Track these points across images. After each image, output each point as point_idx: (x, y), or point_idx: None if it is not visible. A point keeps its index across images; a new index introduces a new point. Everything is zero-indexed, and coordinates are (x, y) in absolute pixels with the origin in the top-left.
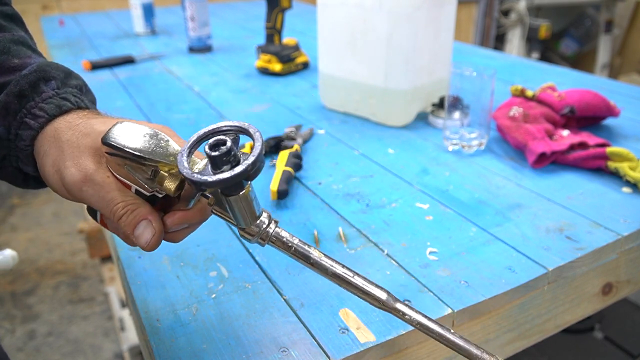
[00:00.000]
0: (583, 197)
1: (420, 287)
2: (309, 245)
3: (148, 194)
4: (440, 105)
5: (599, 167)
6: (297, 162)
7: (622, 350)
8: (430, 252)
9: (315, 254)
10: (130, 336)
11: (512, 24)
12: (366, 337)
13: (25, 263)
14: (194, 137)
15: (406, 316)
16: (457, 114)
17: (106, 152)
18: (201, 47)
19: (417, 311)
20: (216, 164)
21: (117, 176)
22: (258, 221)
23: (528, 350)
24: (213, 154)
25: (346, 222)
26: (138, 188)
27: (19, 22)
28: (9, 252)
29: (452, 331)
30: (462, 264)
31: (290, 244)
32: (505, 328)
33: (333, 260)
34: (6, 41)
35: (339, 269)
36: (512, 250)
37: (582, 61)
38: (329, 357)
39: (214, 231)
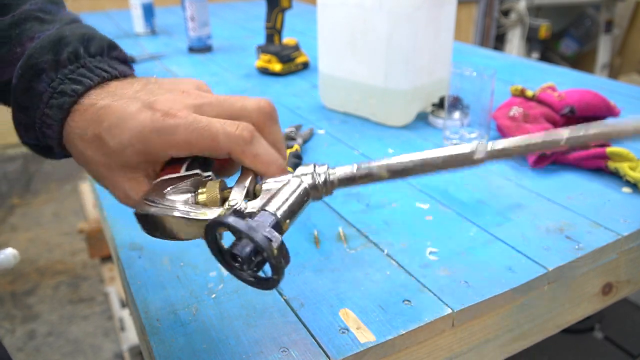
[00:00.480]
0: (583, 197)
1: (420, 287)
2: (367, 165)
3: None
4: (440, 105)
5: (599, 167)
6: (297, 162)
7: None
8: (430, 252)
9: (375, 166)
10: (130, 336)
11: (512, 24)
12: (366, 337)
13: (25, 263)
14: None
15: (506, 151)
16: (457, 114)
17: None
18: (201, 47)
19: (514, 140)
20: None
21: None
22: (306, 176)
23: (528, 350)
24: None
25: (346, 222)
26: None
27: None
28: (10, 251)
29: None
30: (462, 264)
31: (353, 177)
32: (505, 328)
33: (403, 156)
34: (5, 28)
35: (419, 156)
36: (512, 250)
37: (582, 61)
38: (329, 357)
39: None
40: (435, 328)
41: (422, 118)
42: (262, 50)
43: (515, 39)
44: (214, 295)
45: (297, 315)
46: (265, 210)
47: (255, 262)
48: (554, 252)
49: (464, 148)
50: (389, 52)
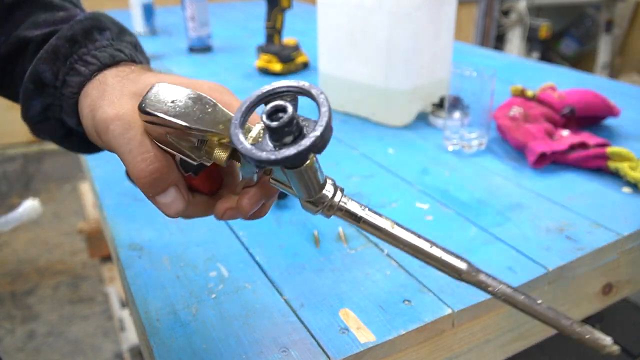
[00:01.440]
0: (583, 197)
1: (420, 287)
2: (379, 215)
3: (195, 163)
4: (440, 105)
5: (599, 167)
6: None
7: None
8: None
9: (386, 224)
10: (130, 336)
11: (512, 24)
12: (366, 337)
13: (25, 263)
14: (246, 103)
15: (489, 288)
16: (457, 114)
17: (145, 121)
18: (201, 47)
19: (500, 281)
20: (277, 135)
21: (159, 145)
22: (323, 191)
23: (528, 350)
24: (273, 124)
25: (346, 222)
26: (183, 157)
27: None
28: (29, 203)
29: (538, 302)
30: None
31: (358, 216)
32: (505, 328)
33: (407, 230)
34: None
35: (414, 240)
36: (512, 250)
37: (582, 61)
38: (329, 357)
39: (214, 231)
40: (435, 328)
41: (422, 118)
42: (262, 50)
43: (515, 39)
44: (214, 295)
45: (297, 315)
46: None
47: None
48: (554, 252)
49: (456, 262)
50: (389, 52)
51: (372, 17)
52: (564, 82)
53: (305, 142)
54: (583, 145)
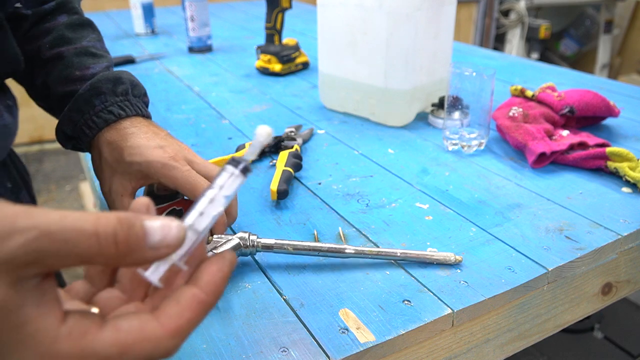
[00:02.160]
0: (583, 197)
1: (420, 287)
2: (281, 241)
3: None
4: (440, 105)
5: (598, 167)
6: (297, 162)
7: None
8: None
9: (285, 244)
10: None
11: (512, 24)
12: (366, 337)
13: None
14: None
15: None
16: (457, 114)
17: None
18: (201, 47)
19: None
20: None
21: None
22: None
23: (528, 350)
24: None
25: (346, 222)
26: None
27: (87, 27)
28: (264, 129)
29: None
30: (461, 264)
31: (270, 246)
32: (505, 328)
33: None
34: (70, 55)
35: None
36: (511, 250)
37: (581, 61)
38: (328, 357)
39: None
40: (435, 328)
41: (422, 118)
42: (262, 50)
43: (515, 39)
44: None
45: (297, 315)
46: (212, 251)
47: None
48: (554, 252)
49: (339, 246)
50: (389, 52)
51: (372, 17)
52: (564, 82)
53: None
54: (583, 145)
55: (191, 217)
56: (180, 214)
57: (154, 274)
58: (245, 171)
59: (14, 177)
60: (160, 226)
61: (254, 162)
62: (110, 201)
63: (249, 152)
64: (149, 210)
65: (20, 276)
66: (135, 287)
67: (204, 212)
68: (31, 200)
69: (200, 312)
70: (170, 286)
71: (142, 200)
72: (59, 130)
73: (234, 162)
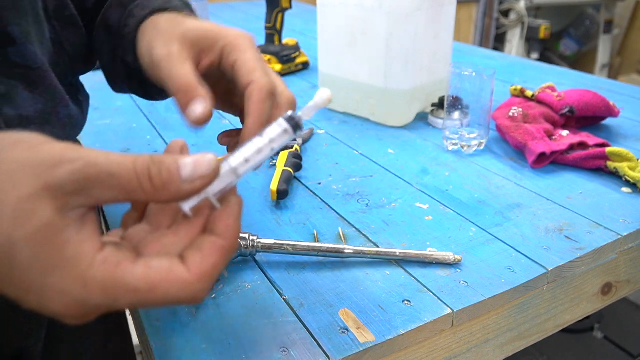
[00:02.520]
0: (583, 197)
1: (419, 287)
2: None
3: None
4: (440, 105)
5: (598, 167)
6: (297, 162)
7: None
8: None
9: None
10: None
11: (511, 24)
12: (366, 337)
13: None
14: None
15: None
16: (456, 114)
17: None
18: None
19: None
20: None
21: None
22: None
23: (528, 350)
24: None
25: (346, 222)
26: None
27: None
28: (325, 93)
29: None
30: (461, 264)
31: (270, 246)
32: (504, 328)
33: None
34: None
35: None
36: (511, 250)
37: (581, 61)
38: (328, 357)
39: None
40: (435, 328)
41: (422, 118)
42: (262, 50)
43: (514, 39)
44: (213, 295)
45: (297, 315)
46: None
47: None
48: (554, 252)
49: (338, 247)
50: (389, 52)
51: (372, 18)
52: (564, 82)
53: None
54: (582, 145)
55: (235, 160)
56: None
57: (187, 204)
58: (296, 129)
59: None
60: (192, 160)
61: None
62: (164, 68)
63: (305, 112)
64: (183, 150)
65: (67, 203)
66: (161, 220)
67: (249, 159)
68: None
69: (222, 256)
70: (192, 230)
71: (177, 141)
72: (98, 30)
73: (290, 118)
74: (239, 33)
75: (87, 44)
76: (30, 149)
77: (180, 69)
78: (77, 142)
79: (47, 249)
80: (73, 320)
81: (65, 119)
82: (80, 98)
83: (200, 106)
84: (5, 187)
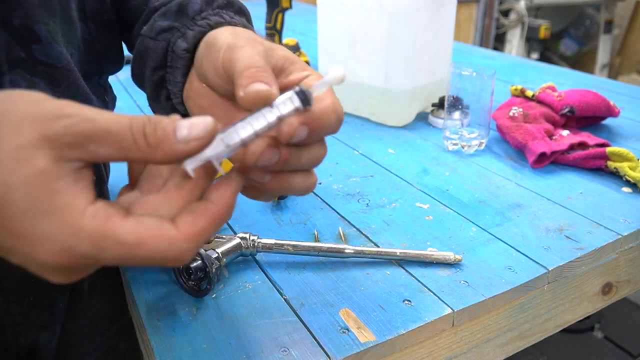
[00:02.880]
0: (583, 197)
1: (420, 287)
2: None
3: None
4: (440, 105)
5: (598, 167)
6: None
7: (622, 350)
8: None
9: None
10: None
11: (511, 24)
12: (366, 336)
13: None
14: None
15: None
16: (457, 114)
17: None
18: None
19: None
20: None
21: None
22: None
23: (528, 350)
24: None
25: (346, 222)
26: None
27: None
28: (339, 71)
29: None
30: (462, 264)
31: (271, 246)
32: (505, 328)
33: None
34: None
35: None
36: (512, 250)
37: (581, 61)
38: (329, 357)
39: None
40: (436, 328)
41: (422, 118)
42: None
43: (515, 39)
44: (214, 295)
45: (297, 315)
46: (214, 250)
47: (198, 276)
48: (554, 252)
49: (339, 246)
50: (389, 52)
51: (372, 17)
52: (564, 82)
53: None
54: (583, 145)
55: (239, 125)
56: None
57: (189, 164)
58: (305, 104)
59: (99, 169)
60: (188, 122)
61: None
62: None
63: (317, 87)
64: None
65: (62, 155)
66: (151, 186)
67: (256, 128)
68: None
69: (213, 221)
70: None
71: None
72: (171, 6)
73: (301, 92)
74: (287, 55)
75: (119, 48)
76: (34, 102)
77: (249, 52)
78: None
79: (40, 194)
80: (58, 275)
81: None
82: (107, 99)
83: (262, 85)
84: (6, 134)
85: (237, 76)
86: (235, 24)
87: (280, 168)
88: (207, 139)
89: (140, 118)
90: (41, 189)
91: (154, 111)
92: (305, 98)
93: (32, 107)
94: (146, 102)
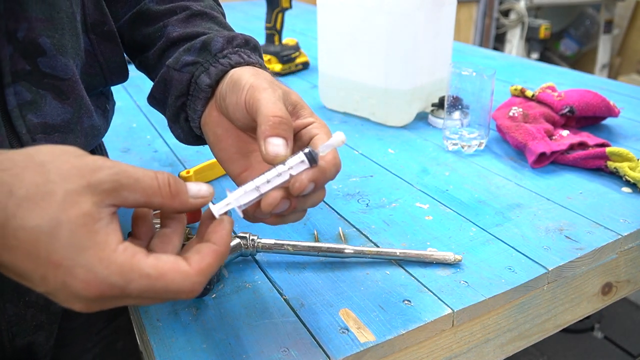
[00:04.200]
0: (583, 197)
1: (420, 287)
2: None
3: None
4: (440, 105)
5: (598, 167)
6: None
7: (622, 350)
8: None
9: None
10: None
11: (511, 24)
12: (366, 337)
13: None
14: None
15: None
16: (457, 114)
17: None
18: None
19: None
20: None
21: None
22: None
23: (528, 350)
24: None
25: (346, 222)
26: None
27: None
28: (340, 137)
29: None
30: (461, 264)
31: (270, 246)
32: (505, 328)
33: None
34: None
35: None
36: (512, 250)
37: (581, 61)
38: (329, 357)
39: None
40: (435, 328)
41: (422, 118)
42: (262, 50)
43: (515, 39)
44: (214, 295)
45: (297, 315)
46: None
47: None
48: (554, 252)
49: (339, 246)
50: (389, 52)
51: (372, 17)
52: (564, 82)
53: None
54: (583, 145)
55: (259, 180)
56: None
57: (218, 210)
58: (312, 162)
59: None
60: (197, 185)
61: None
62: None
63: (321, 149)
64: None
65: (102, 200)
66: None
67: (271, 180)
68: None
69: (216, 258)
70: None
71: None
72: (195, 43)
73: (309, 154)
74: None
75: (122, 59)
76: (75, 156)
77: (271, 97)
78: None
79: (83, 232)
80: (82, 304)
81: (88, 128)
82: (108, 107)
83: (282, 149)
84: (58, 180)
85: (261, 120)
86: (253, 64)
87: (288, 213)
88: (209, 197)
89: (164, 173)
90: (84, 227)
91: (173, 131)
92: (312, 159)
93: (76, 159)
94: (145, 102)
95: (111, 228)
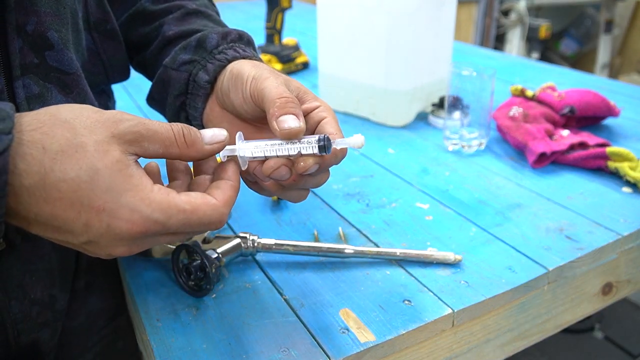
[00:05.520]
0: (583, 197)
1: (420, 287)
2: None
3: None
4: (440, 105)
5: (599, 167)
6: None
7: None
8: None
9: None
10: None
11: (512, 24)
12: (366, 337)
13: None
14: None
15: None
16: (457, 114)
17: None
18: None
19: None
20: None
21: None
22: None
23: (528, 350)
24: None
25: (346, 222)
26: None
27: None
28: (360, 139)
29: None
30: (462, 264)
31: (270, 246)
32: (505, 328)
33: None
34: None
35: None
36: (512, 250)
37: (582, 61)
38: (329, 357)
39: (213, 231)
40: (436, 328)
41: (422, 118)
42: (262, 50)
43: (515, 39)
44: (214, 295)
45: (297, 315)
46: (214, 250)
47: (198, 276)
48: (554, 252)
49: (339, 246)
50: (389, 52)
51: (372, 17)
52: (564, 82)
53: None
54: (583, 145)
55: (270, 142)
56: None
57: (223, 153)
58: (322, 150)
59: None
60: (211, 130)
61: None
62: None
63: (338, 142)
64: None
65: (127, 149)
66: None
67: (281, 146)
68: None
69: (235, 191)
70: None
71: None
72: (191, 40)
73: (324, 140)
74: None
75: (124, 57)
76: (95, 112)
77: (274, 82)
78: None
79: (120, 176)
80: (126, 246)
81: None
82: (109, 105)
83: (294, 122)
84: (85, 133)
85: (269, 105)
86: (249, 57)
87: (288, 186)
88: (224, 144)
89: (179, 124)
90: (120, 172)
91: None
92: (324, 147)
93: (96, 114)
94: (145, 102)
95: (142, 172)
